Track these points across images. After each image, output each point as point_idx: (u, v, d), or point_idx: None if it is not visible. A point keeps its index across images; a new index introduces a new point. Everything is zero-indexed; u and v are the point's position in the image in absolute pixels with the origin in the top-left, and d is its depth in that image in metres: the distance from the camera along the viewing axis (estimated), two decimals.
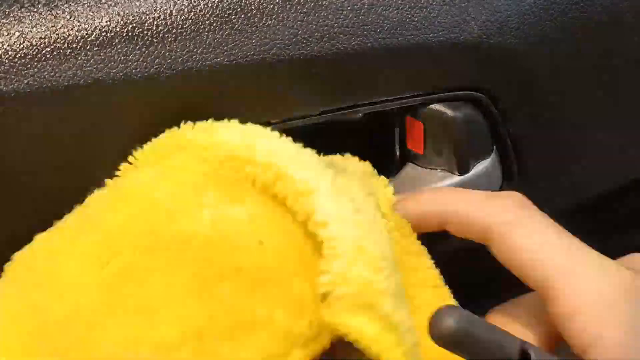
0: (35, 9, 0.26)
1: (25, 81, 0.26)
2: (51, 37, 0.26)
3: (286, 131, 0.32)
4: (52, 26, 0.26)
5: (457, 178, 0.36)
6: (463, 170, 0.36)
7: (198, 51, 0.28)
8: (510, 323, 0.27)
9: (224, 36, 0.28)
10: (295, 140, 0.30)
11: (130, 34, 0.27)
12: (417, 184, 0.36)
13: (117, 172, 0.27)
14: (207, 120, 0.28)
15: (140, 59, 0.27)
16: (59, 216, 0.27)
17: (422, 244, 0.31)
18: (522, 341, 0.25)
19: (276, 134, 0.27)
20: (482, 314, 0.28)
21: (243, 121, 0.29)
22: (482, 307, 0.27)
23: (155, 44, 0.27)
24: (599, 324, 0.24)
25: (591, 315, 0.24)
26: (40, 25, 0.26)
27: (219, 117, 0.29)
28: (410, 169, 0.37)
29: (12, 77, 0.25)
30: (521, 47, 0.34)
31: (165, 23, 0.27)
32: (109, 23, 0.27)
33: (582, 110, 0.38)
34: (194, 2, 0.28)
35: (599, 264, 0.26)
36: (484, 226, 0.28)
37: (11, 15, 0.26)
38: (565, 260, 0.26)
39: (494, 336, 0.24)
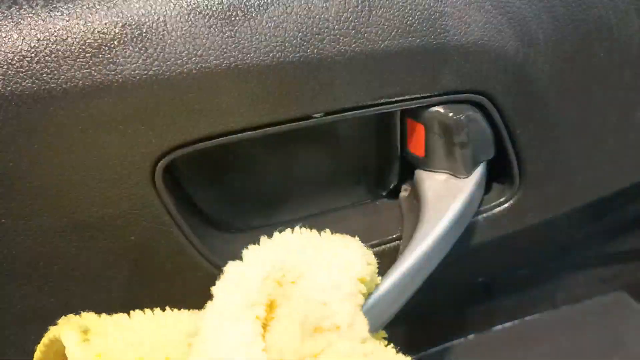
0: (34, 11, 0.26)
1: (24, 83, 0.25)
2: (49, 39, 0.26)
3: (288, 134, 0.32)
4: (51, 28, 0.26)
5: (459, 181, 0.35)
6: (465, 173, 0.35)
7: (197, 53, 0.28)
8: None
9: (224, 38, 0.28)
10: (296, 142, 0.29)
11: (128, 36, 0.27)
12: (420, 187, 0.36)
13: None
14: (206, 120, 0.28)
15: (139, 62, 0.27)
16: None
17: None
18: None
19: None
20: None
21: (243, 122, 0.29)
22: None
23: (154, 46, 0.27)
24: None
25: None
26: (39, 27, 0.26)
27: (218, 119, 0.29)
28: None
29: (10, 79, 0.25)
30: (523, 51, 0.34)
31: (165, 25, 0.27)
32: (107, 25, 0.26)
33: (584, 113, 0.38)
34: (194, 4, 0.28)
35: None
36: None
37: (9, 16, 0.26)
38: None
39: None
